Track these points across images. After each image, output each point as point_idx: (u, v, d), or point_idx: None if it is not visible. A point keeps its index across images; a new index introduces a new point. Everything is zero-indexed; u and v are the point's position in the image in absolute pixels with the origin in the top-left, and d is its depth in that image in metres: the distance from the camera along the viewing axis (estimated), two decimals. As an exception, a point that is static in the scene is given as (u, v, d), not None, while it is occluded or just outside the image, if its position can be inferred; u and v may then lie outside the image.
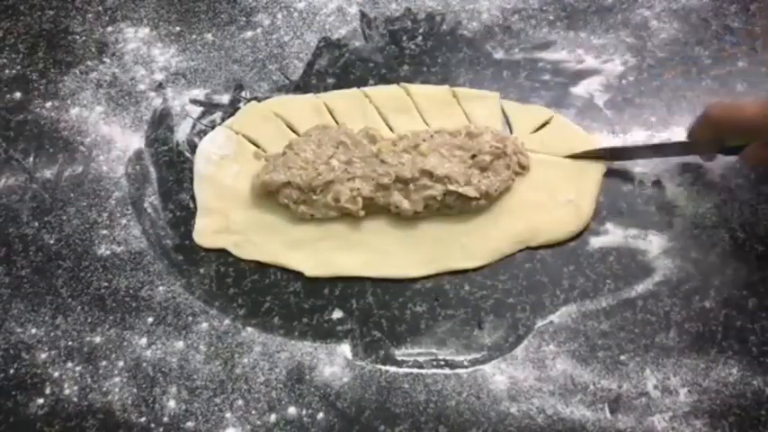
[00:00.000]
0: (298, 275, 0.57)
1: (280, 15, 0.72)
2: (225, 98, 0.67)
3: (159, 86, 0.68)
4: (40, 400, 0.53)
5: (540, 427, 0.50)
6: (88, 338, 0.55)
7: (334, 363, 0.54)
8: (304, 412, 0.52)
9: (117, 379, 0.53)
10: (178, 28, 0.71)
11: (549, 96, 0.65)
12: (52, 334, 0.56)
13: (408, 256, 0.57)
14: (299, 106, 0.65)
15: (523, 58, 0.67)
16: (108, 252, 0.59)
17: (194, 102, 0.67)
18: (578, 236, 0.58)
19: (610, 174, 0.61)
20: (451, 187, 0.56)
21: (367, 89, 0.65)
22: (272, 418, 0.52)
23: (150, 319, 0.56)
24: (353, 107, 0.64)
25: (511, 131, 0.63)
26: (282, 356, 0.54)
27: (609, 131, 0.63)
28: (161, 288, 0.57)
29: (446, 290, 0.56)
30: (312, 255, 0.58)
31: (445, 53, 0.68)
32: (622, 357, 0.53)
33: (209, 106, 0.66)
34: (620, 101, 0.64)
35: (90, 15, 0.73)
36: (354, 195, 0.57)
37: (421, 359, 0.53)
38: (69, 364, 0.54)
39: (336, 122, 0.63)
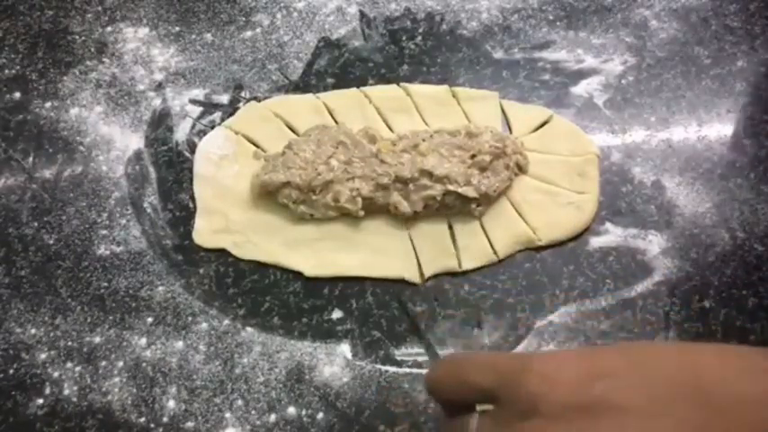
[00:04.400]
0: (297, 275, 0.57)
1: (279, 15, 0.71)
2: (224, 98, 0.67)
3: (159, 86, 0.68)
4: (40, 401, 0.53)
5: (540, 426, 0.50)
6: (88, 338, 0.55)
7: (334, 363, 0.54)
8: (304, 412, 0.52)
9: (117, 379, 0.53)
10: (177, 28, 0.71)
11: (548, 96, 0.65)
12: (52, 334, 0.56)
13: (408, 256, 0.57)
14: (298, 106, 0.65)
15: (523, 58, 0.67)
16: (108, 252, 0.59)
17: (194, 102, 0.67)
18: (578, 236, 0.58)
19: (609, 174, 0.61)
20: (451, 187, 0.56)
21: (366, 89, 0.65)
22: (272, 418, 0.52)
23: (150, 320, 0.56)
24: (353, 107, 0.64)
25: (510, 131, 0.63)
26: (282, 356, 0.54)
27: (608, 131, 0.63)
28: (161, 288, 0.57)
29: (446, 290, 0.56)
30: (312, 255, 0.57)
31: (445, 53, 0.68)
32: (622, 357, 0.53)
33: (208, 106, 0.66)
34: (620, 100, 0.64)
35: (89, 15, 0.73)
36: (354, 195, 0.57)
37: (421, 359, 0.53)
38: (69, 365, 0.54)
39: (336, 122, 0.63)
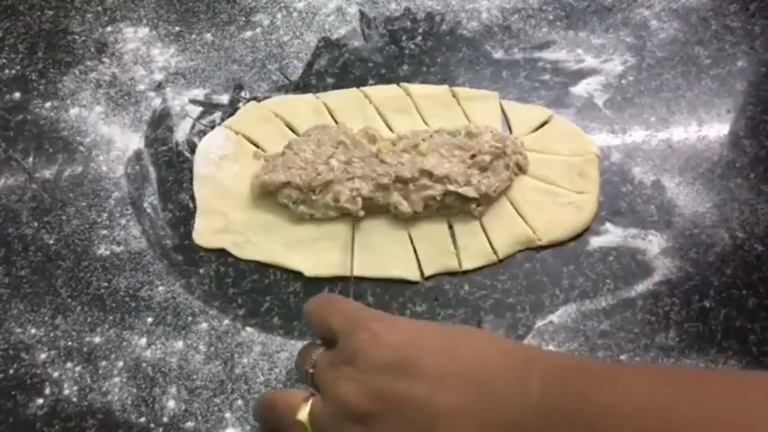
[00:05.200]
0: (297, 275, 0.57)
1: (279, 15, 0.71)
2: (224, 98, 0.67)
3: (159, 86, 0.68)
4: (40, 401, 0.53)
5: (540, 426, 0.50)
6: (88, 338, 0.55)
7: (334, 363, 0.53)
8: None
9: (117, 379, 0.53)
10: (177, 28, 0.71)
11: (548, 96, 0.65)
12: (52, 334, 0.56)
13: (408, 256, 0.57)
14: (298, 106, 0.65)
15: (523, 58, 0.67)
16: (108, 252, 0.59)
17: (194, 102, 0.67)
18: (578, 236, 0.58)
19: (609, 174, 0.61)
20: (451, 187, 0.56)
21: (366, 89, 0.65)
22: (272, 418, 0.51)
23: (150, 320, 0.56)
24: (353, 107, 0.64)
25: (510, 131, 0.63)
26: (282, 356, 0.54)
27: (608, 131, 0.63)
28: (161, 288, 0.57)
29: (446, 290, 0.56)
30: (312, 255, 0.57)
31: (445, 53, 0.68)
32: (622, 357, 0.53)
33: (208, 106, 0.66)
34: (620, 100, 0.64)
35: (89, 15, 0.73)
36: (354, 195, 0.57)
37: (421, 359, 0.53)
38: (69, 365, 0.54)
39: (336, 122, 0.63)
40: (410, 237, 0.58)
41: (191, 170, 0.62)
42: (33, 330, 0.56)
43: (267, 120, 0.64)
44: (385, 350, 0.38)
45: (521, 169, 0.60)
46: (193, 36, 0.70)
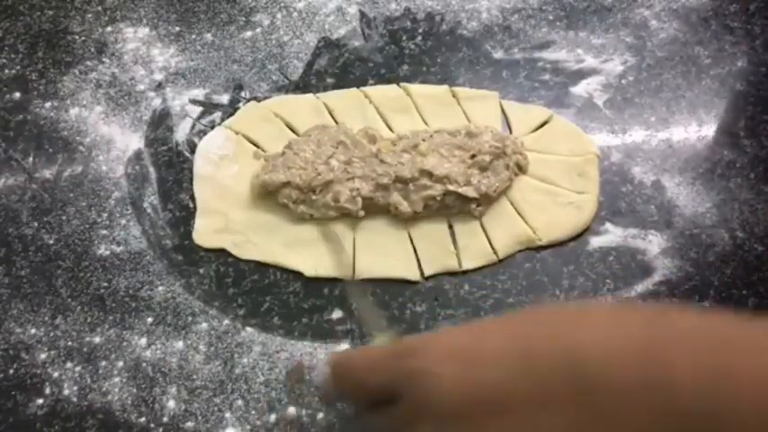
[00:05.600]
0: (297, 275, 0.57)
1: (279, 15, 0.71)
2: (224, 98, 0.67)
3: (159, 86, 0.68)
4: (40, 401, 0.53)
5: (540, 426, 0.50)
6: (88, 338, 0.55)
7: (334, 363, 0.53)
8: (304, 412, 0.52)
9: (117, 379, 0.53)
10: (177, 28, 0.71)
11: (548, 96, 0.65)
12: (52, 334, 0.56)
13: (408, 256, 0.57)
14: (298, 106, 0.65)
15: (523, 58, 0.67)
16: (108, 252, 0.59)
17: (194, 102, 0.67)
18: (578, 236, 0.58)
19: (609, 174, 0.61)
20: (451, 187, 0.56)
21: (366, 89, 0.65)
22: (272, 418, 0.52)
23: (150, 320, 0.56)
24: (353, 107, 0.64)
25: (510, 131, 0.63)
26: (282, 356, 0.54)
27: (608, 131, 0.63)
28: (161, 288, 0.57)
29: (446, 290, 0.56)
30: (312, 255, 0.57)
31: (445, 53, 0.68)
32: (622, 357, 0.53)
33: (208, 106, 0.66)
34: (620, 100, 0.64)
35: (89, 15, 0.73)
36: (354, 195, 0.57)
37: (421, 359, 0.53)
38: (69, 365, 0.54)
39: (336, 122, 0.63)
40: (410, 237, 0.58)
41: (191, 170, 0.62)
42: (33, 330, 0.56)
43: (267, 120, 0.64)
44: (454, 394, 0.31)
45: (521, 169, 0.60)
46: (193, 36, 0.70)
